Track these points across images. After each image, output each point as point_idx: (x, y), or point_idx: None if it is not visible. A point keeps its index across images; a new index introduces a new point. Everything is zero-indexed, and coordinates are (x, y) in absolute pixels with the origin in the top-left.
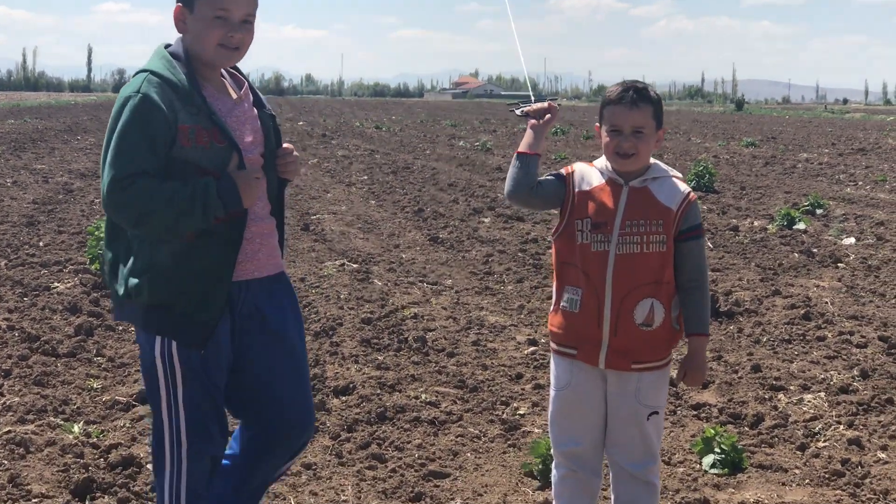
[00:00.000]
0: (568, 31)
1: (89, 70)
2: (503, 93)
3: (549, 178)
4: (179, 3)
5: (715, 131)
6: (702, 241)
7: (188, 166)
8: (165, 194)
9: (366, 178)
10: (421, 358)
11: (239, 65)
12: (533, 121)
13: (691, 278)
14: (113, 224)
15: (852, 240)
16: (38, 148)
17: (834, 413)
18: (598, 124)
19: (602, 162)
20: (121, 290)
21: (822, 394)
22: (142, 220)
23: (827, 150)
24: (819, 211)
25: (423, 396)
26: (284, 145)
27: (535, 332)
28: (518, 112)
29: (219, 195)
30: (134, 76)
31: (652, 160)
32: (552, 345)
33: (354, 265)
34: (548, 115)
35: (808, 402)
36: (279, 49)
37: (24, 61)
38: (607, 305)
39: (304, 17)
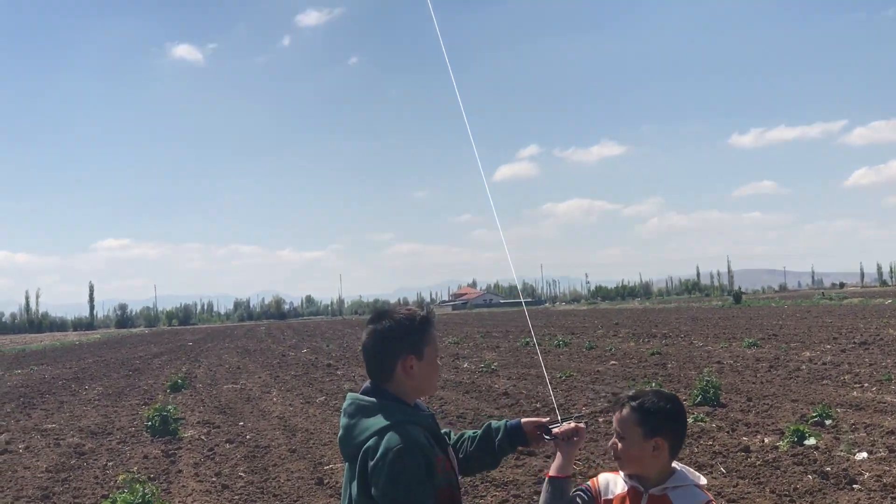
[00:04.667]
0: (562, 235)
1: (91, 307)
2: (502, 301)
3: (578, 493)
4: (413, 354)
5: (716, 330)
6: None
7: (442, 492)
8: None
9: None
10: None
11: (241, 291)
12: (562, 443)
13: None
14: None
15: (864, 454)
16: (46, 402)
17: None
18: None
19: None
20: None
21: None
22: None
23: (829, 346)
24: (828, 422)
25: None
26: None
27: None
28: (546, 437)
29: None
30: (391, 432)
31: (679, 466)
32: None
33: None
34: (575, 438)
35: None
36: (277, 273)
37: (28, 304)
38: None
39: (300, 240)
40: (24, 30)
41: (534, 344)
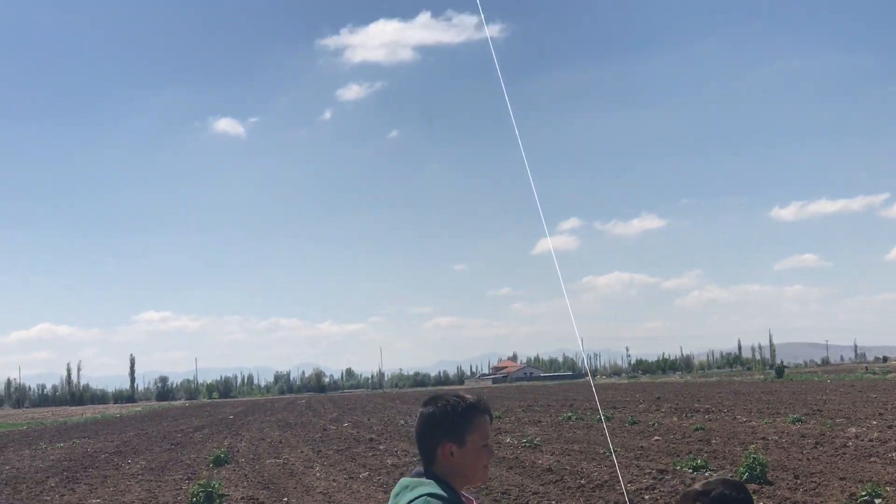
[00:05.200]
0: (602, 308)
1: (132, 380)
2: (542, 374)
3: None
4: (451, 442)
5: (759, 405)
6: None
7: None
8: None
9: None
10: None
11: (281, 363)
12: None
13: None
14: None
15: None
16: (90, 477)
17: None
18: None
19: None
20: None
21: None
22: None
23: (875, 423)
24: (878, 501)
25: None
26: None
27: None
28: None
29: None
30: (415, 499)
31: None
32: None
33: None
34: None
35: None
36: (317, 345)
37: (69, 376)
38: None
39: (340, 313)
40: (67, 103)
41: (576, 417)
